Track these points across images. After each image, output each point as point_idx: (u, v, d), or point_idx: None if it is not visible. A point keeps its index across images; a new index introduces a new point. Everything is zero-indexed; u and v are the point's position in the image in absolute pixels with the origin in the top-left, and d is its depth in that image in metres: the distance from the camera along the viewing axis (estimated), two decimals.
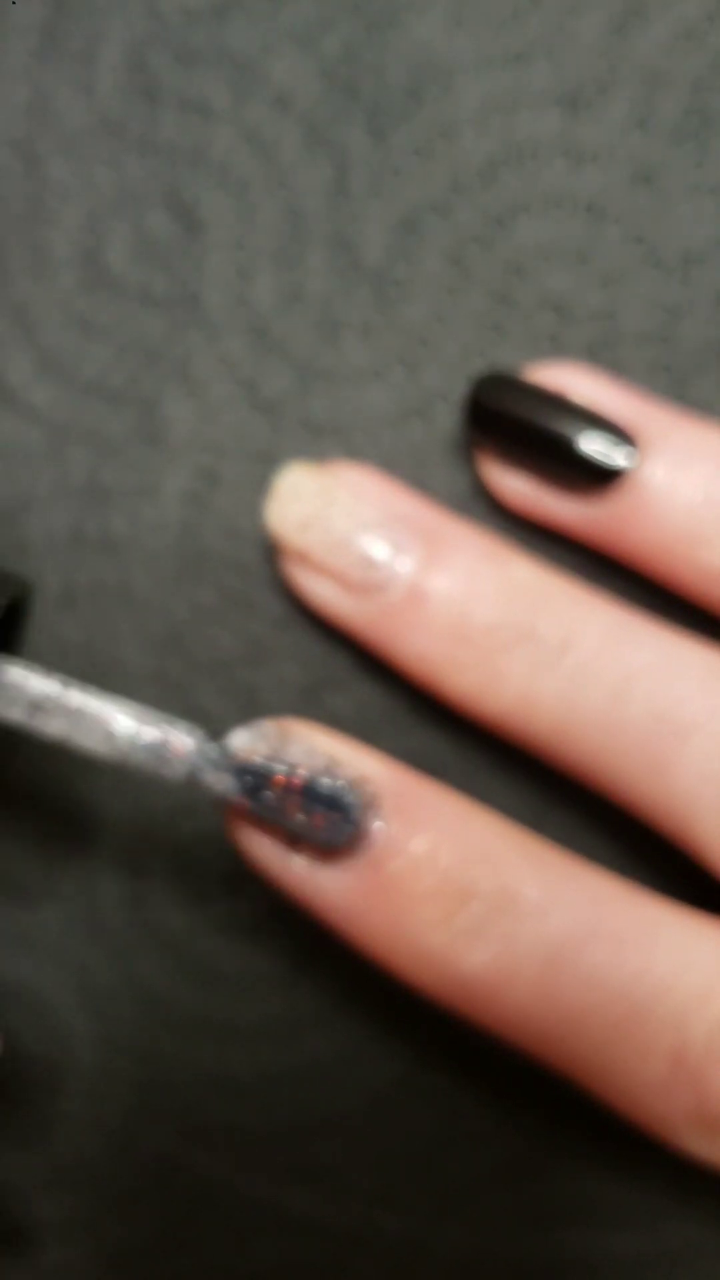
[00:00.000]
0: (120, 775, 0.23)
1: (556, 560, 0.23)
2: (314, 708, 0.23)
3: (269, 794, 0.20)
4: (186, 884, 0.24)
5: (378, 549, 0.22)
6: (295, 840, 0.20)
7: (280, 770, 0.20)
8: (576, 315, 0.23)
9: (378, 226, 0.23)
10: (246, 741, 0.20)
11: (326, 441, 0.23)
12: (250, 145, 0.24)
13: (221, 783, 0.20)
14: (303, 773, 0.20)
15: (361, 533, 0.22)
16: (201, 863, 0.23)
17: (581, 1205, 0.23)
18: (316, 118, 0.24)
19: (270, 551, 0.23)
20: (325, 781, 0.20)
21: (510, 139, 0.23)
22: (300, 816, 0.20)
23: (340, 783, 0.20)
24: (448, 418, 0.23)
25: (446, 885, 0.20)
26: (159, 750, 0.19)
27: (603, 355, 0.23)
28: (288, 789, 0.20)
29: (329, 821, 0.20)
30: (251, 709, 0.24)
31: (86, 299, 0.24)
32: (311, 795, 0.20)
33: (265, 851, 0.20)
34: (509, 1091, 0.23)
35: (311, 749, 0.20)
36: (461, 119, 0.23)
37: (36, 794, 0.24)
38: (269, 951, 0.23)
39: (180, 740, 0.19)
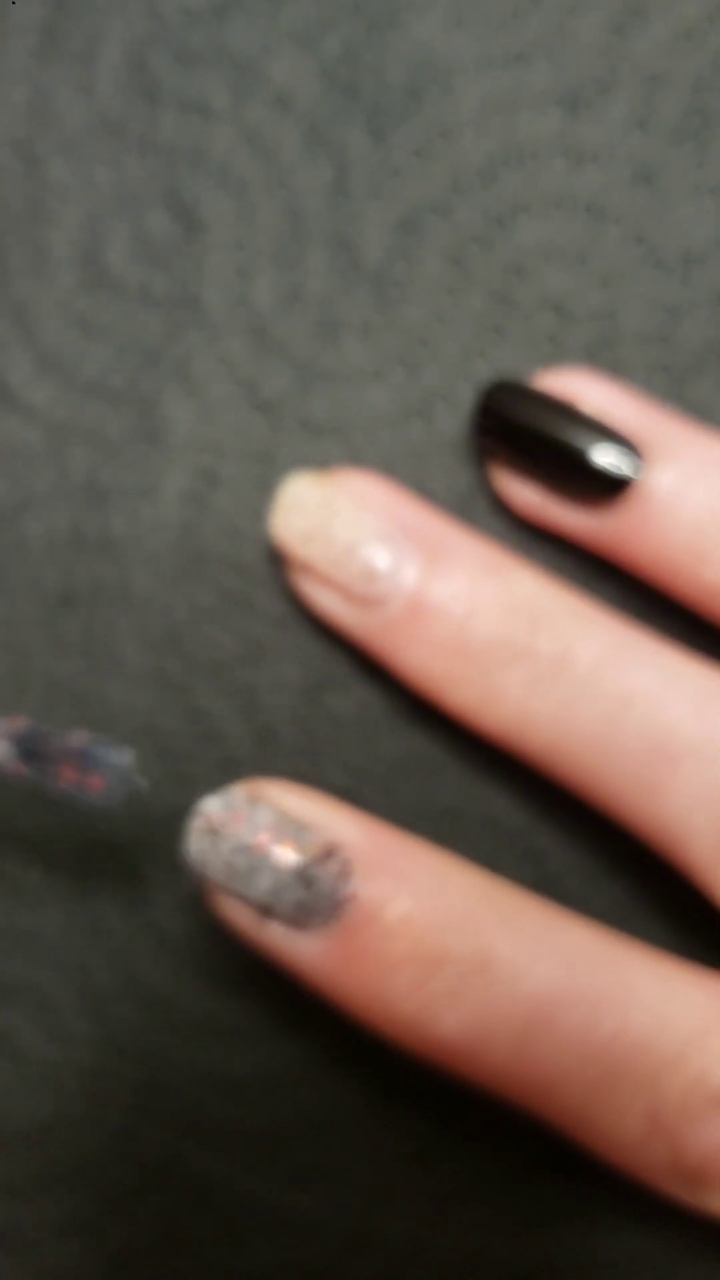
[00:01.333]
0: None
1: (563, 558, 0.23)
2: (314, 708, 0.23)
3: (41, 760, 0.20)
4: (186, 884, 0.24)
5: (379, 560, 0.22)
6: (267, 911, 0.20)
7: (51, 734, 0.20)
8: (576, 315, 0.23)
9: (378, 227, 0.23)
10: (217, 808, 0.20)
11: (326, 442, 0.23)
12: (250, 145, 0.24)
13: None
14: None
15: (363, 545, 0.22)
16: None
17: (581, 1205, 0.23)
18: (316, 118, 0.24)
19: (270, 551, 0.23)
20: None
21: (510, 139, 0.23)
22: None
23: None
24: (448, 418, 0.23)
25: (420, 951, 0.20)
26: None
27: (602, 355, 0.23)
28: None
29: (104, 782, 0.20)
30: (251, 709, 0.24)
31: (86, 299, 0.24)
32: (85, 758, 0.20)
33: (241, 917, 0.20)
34: None
35: (282, 814, 0.20)
36: (461, 119, 0.23)
37: (36, 793, 0.24)
38: None
39: None
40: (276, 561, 0.23)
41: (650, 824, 0.21)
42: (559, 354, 0.23)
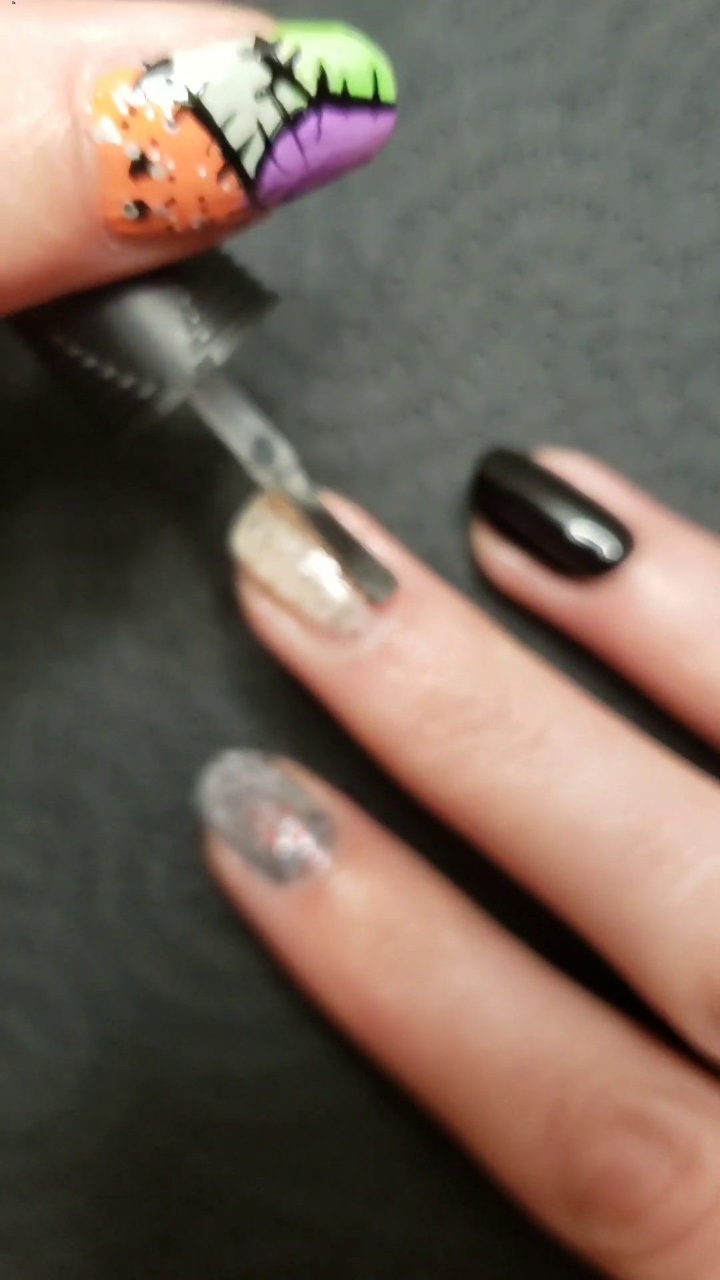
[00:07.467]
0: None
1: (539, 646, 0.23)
2: (313, 707, 0.23)
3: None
4: (186, 884, 0.24)
5: (355, 595, 0.20)
6: (253, 859, 0.22)
7: None
8: (575, 312, 0.23)
9: (376, 224, 0.23)
10: (235, 758, 0.22)
11: (324, 439, 0.23)
12: None
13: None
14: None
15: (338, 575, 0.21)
16: (201, 863, 0.23)
17: None
18: None
19: None
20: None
21: (509, 136, 0.23)
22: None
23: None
24: (446, 415, 0.23)
25: (377, 918, 0.21)
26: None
27: (601, 352, 0.23)
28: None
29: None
30: (251, 709, 0.24)
31: None
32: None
33: (230, 866, 0.22)
34: None
35: (287, 778, 0.22)
36: (461, 116, 0.23)
37: (37, 791, 0.24)
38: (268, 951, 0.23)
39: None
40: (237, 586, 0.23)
41: (613, 924, 0.20)
42: (558, 351, 0.23)
